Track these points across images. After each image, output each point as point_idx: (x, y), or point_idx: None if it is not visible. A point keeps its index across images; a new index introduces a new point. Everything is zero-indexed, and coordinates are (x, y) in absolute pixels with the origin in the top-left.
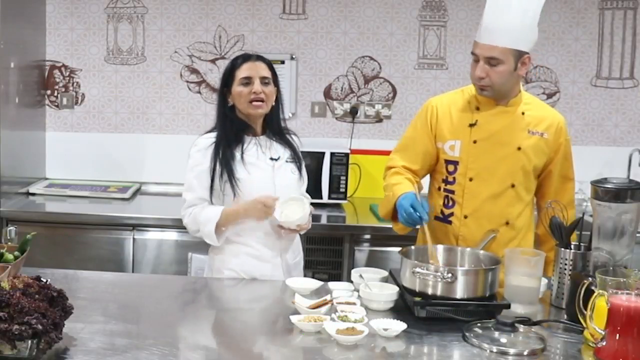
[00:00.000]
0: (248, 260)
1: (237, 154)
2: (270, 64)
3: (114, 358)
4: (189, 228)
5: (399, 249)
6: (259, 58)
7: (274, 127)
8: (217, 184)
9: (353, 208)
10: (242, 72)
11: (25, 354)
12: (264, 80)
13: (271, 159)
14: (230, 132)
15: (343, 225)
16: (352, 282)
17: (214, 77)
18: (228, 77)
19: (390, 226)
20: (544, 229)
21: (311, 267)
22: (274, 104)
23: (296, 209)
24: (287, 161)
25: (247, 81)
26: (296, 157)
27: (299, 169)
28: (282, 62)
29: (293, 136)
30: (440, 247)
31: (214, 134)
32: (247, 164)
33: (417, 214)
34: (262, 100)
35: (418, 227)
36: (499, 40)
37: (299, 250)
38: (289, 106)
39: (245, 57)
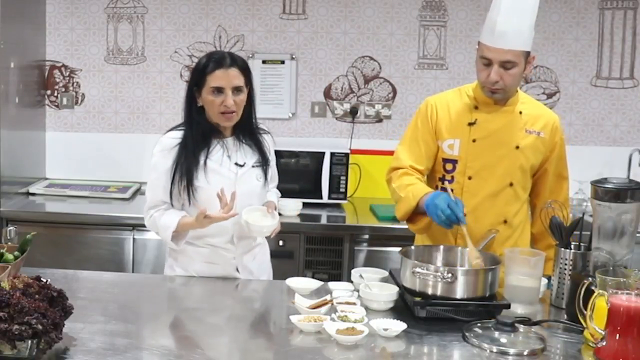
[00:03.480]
0: (198, 259)
1: (201, 159)
2: (243, 67)
3: (114, 358)
4: (151, 229)
5: (399, 249)
6: (232, 63)
7: (245, 129)
8: (177, 188)
9: (353, 208)
10: (214, 80)
11: (25, 354)
12: (236, 89)
13: (236, 164)
14: (197, 134)
15: (343, 225)
16: (352, 282)
17: None
18: (198, 79)
19: (390, 226)
20: (539, 228)
21: (311, 267)
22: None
23: (261, 217)
24: (253, 166)
25: (219, 91)
26: (264, 161)
27: (265, 174)
28: (282, 62)
29: (265, 135)
30: (440, 247)
31: (179, 134)
32: (209, 171)
33: (455, 214)
34: (233, 112)
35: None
36: (512, 43)
37: (258, 250)
38: (289, 106)
39: (218, 63)
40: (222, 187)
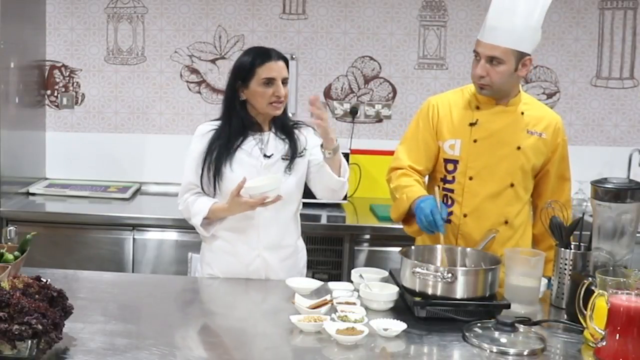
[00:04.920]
0: (224, 257)
1: (232, 148)
2: (286, 61)
3: (114, 358)
4: (184, 215)
5: (399, 249)
6: (279, 57)
7: (279, 124)
8: (206, 173)
9: (353, 208)
10: (265, 71)
11: (25, 354)
12: (284, 81)
13: (265, 155)
14: (236, 125)
15: (343, 225)
16: (352, 282)
17: (214, 77)
18: (246, 73)
19: (390, 226)
20: (540, 229)
21: (311, 267)
22: None
23: (264, 182)
24: (283, 158)
25: (270, 82)
26: (293, 153)
27: (291, 166)
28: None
29: (303, 129)
30: (440, 247)
31: (216, 123)
32: (235, 160)
33: (436, 222)
34: (282, 102)
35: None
36: (500, 40)
37: (290, 253)
38: (288, 106)
39: (266, 56)
40: (244, 177)
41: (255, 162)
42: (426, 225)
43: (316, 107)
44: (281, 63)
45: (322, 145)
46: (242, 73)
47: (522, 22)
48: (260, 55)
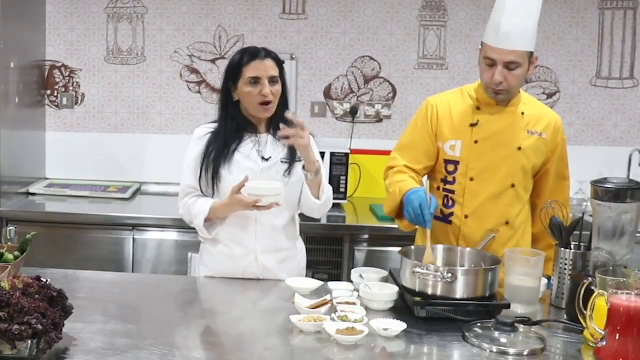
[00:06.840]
0: (221, 260)
1: (230, 150)
2: (277, 60)
3: (114, 358)
4: (185, 219)
5: (399, 249)
6: (267, 55)
7: (277, 126)
8: (204, 175)
9: (353, 208)
10: (250, 71)
11: (25, 354)
12: (272, 80)
13: (263, 158)
14: (231, 126)
15: (343, 225)
16: (352, 282)
17: (214, 77)
18: (235, 73)
19: (390, 226)
20: (539, 228)
21: (311, 267)
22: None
23: (265, 186)
24: (282, 162)
25: (256, 81)
26: (292, 157)
27: (291, 170)
28: (283, 62)
29: None
30: (440, 247)
31: (213, 125)
32: (234, 162)
33: (423, 216)
34: (270, 102)
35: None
36: (516, 44)
37: (288, 255)
38: (289, 106)
39: (253, 54)
40: (246, 176)
41: (254, 165)
42: (413, 219)
43: (293, 124)
44: (269, 62)
45: (303, 167)
46: (232, 73)
47: (532, 23)
48: (247, 54)
